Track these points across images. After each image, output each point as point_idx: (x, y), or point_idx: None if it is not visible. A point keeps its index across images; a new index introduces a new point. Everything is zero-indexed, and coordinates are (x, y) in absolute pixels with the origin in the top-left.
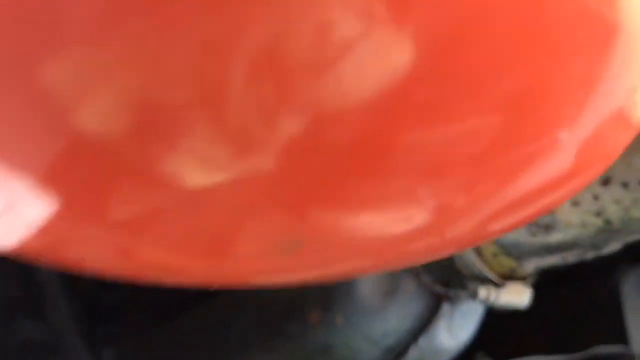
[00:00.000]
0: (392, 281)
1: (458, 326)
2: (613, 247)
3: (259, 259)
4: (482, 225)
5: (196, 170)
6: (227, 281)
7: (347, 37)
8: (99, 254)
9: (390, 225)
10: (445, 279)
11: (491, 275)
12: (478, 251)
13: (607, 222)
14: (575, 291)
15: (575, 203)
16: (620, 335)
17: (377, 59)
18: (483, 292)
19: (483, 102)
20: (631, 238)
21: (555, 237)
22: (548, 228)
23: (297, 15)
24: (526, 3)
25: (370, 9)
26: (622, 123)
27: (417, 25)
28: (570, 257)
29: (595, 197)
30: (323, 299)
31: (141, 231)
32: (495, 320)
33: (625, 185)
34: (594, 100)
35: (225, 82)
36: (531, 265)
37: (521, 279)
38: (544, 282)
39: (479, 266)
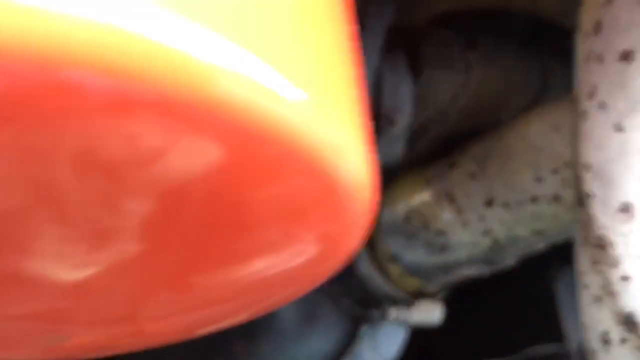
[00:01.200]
0: (312, 307)
1: (383, 344)
2: (507, 261)
3: (163, 322)
4: None
5: (61, 268)
6: (137, 345)
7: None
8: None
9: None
10: (363, 301)
11: (400, 294)
12: (385, 272)
13: (495, 240)
14: (510, 296)
15: (464, 223)
16: (555, 334)
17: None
18: (393, 312)
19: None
20: (523, 251)
21: (450, 256)
22: (443, 248)
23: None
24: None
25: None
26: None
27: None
28: (466, 272)
29: (481, 218)
30: (246, 329)
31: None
32: (425, 334)
33: (506, 205)
34: None
35: (56, 181)
36: (437, 283)
37: (431, 296)
38: (475, 292)
39: (387, 287)
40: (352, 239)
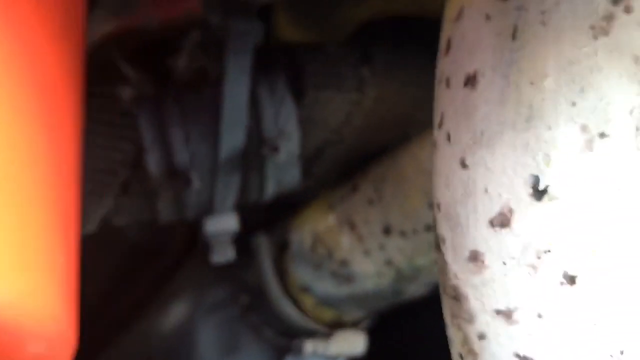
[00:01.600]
0: (234, 338)
1: None
2: (416, 292)
3: None
4: None
5: None
6: None
7: None
8: None
9: None
10: (283, 332)
11: (316, 326)
12: (299, 304)
13: (399, 271)
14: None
15: (366, 252)
16: None
17: None
18: (309, 346)
19: None
20: (433, 281)
21: (358, 287)
22: (349, 279)
23: None
24: None
25: None
26: None
27: None
28: (378, 303)
29: (381, 247)
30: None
31: None
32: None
33: (403, 234)
34: None
35: None
36: (353, 314)
37: (353, 325)
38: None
39: (301, 319)
40: None
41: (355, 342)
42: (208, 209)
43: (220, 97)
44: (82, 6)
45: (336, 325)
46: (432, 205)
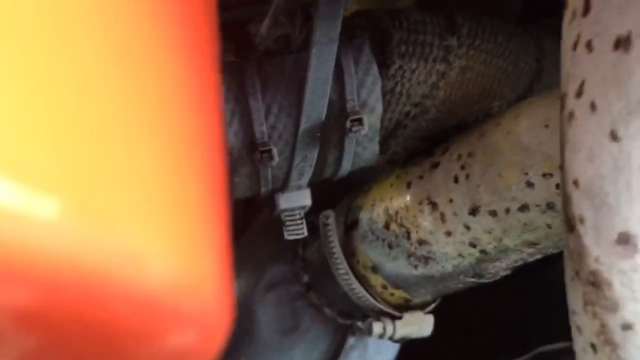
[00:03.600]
0: (294, 317)
1: (374, 354)
2: (499, 274)
3: None
4: None
5: None
6: None
7: None
8: None
9: None
10: (347, 312)
11: (384, 307)
12: (366, 284)
13: (484, 252)
14: (518, 293)
15: (448, 233)
16: (566, 331)
17: None
18: (377, 327)
19: None
20: (516, 263)
21: (435, 269)
22: (427, 260)
23: None
24: None
25: None
26: None
27: None
28: (455, 285)
29: (467, 227)
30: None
31: None
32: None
33: (493, 214)
34: None
35: None
36: (424, 296)
37: (420, 307)
38: (482, 289)
39: (370, 300)
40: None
41: (424, 324)
42: (283, 184)
43: (304, 66)
44: None
45: (404, 308)
46: (529, 183)
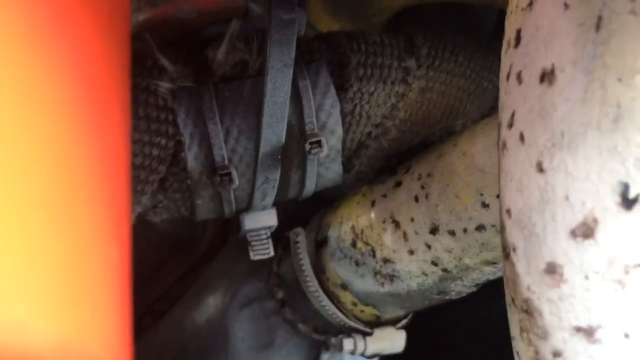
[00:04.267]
0: (269, 333)
1: None
2: (461, 292)
3: None
4: None
5: None
6: None
7: None
8: None
9: None
10: (320, 328)
11: (355, 324)
12: (336, 301)
13: (445, 270)
14: (493, 310)
15: (410, 252)
16: None
17: None
18: (348, 343)
19: None
20: (479, 281)
21: (401, 286)
22: (392, 278)
23: None
24: None
25: None
26: None
27: None
28: (421, 302)
29: (428, 246)
30: (200, 354)
31: None
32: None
33: (452, 233)
34: None
35: None
36: (394, 311)
37: (392, 323)
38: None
39: (340, 317)
40: None
41: (395, 340)
42: (247, 205)
43: (261, 90)
44: None
45: (375, 323)
46: (485, 204)
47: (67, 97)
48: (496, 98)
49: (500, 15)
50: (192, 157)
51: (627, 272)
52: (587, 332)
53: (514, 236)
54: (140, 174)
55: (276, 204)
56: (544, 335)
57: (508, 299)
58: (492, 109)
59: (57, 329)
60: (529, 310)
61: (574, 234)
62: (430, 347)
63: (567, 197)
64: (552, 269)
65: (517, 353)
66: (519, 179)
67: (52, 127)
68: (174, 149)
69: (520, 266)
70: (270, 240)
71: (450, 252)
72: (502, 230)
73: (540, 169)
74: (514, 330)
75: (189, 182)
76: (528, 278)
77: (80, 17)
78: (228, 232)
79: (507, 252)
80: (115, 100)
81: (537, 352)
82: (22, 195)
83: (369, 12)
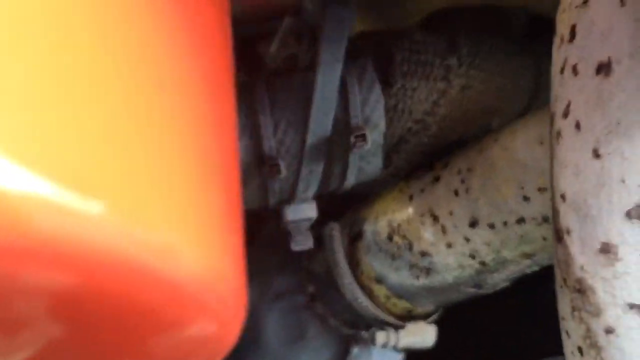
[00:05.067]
0: (299, 327)
1: None
2: (499, 284)
3: None
4: None
5: None
6: None
7: None
8: None
9: None
10: (351, 322)
11: (387, 317)
12: (370, 294)
13: (483, 263)
14: (517, 306)
15: (449, 245)
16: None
17: None
18: (381, 337)
19: None
20: (514, 274)
21: (437, 279)
22: (429, 271)
23: None
24: None
25: None
26: None
27: None
28: (456, 295)
29: (466, 239)
30: (232, 353)
31: None
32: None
33: (491, 226)
34: None
35: None
36: (426, 306)
37: (423, 317)
38: (481, 303)
39: (373, 310)
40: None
41: (427, 335)
42: (290, 196)
43: (311, 84)
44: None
45: (407, 317)
46: (527, 197)
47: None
48: (530, 97)
49: (530, 17)
50: (242, 148)
51: None
52: None
53: (569, 219)
54: None
55: (316, 197)
56: (597, 313)
57: (559, 281)
58: (526, 108)
59: (198, 261)
60: (582, 289)
61: (629, 215)
62: (458, 346)
63: (622, 180)
64: (607, 249)
65: (567, 332)
66: (574, 164)
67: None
68: None
69: (575, 247)
70: (310, 232)
71: (489, 245)
72: (554, 215)
73: (596, 154)
74: (565, 311)
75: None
76: (582, 258)
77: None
78: (257, 228)
79: (560, 236)
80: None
81: (588, 330)
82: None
83: (401, 15)
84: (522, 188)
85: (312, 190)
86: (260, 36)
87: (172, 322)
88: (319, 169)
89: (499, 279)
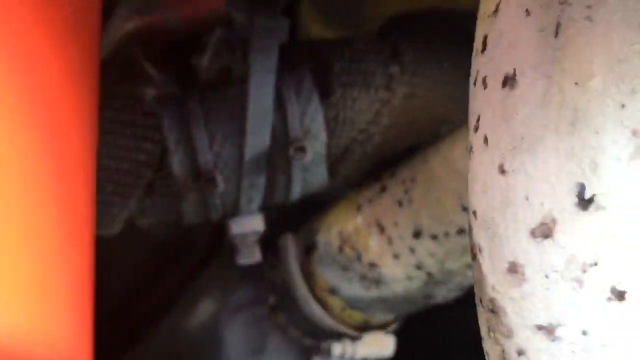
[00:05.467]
0: (260, 339)
1: None
2: (447, 296)
3: None
4: None
5: None
6: None
7: None
8: None
9: None
10: (310, 333)
11: (344, 328)
12: (325, 306)
13: (429, 275)
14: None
15: (395, 256)
16: None
17: None
18: (337, 348)
19: None
20: (463, 285)
21: (387, 291)
22: (378, 282)
23: None
24: None
25: None
26: None
27: None
28: (407, 307)
29: (411, 250)
30: None
31: None
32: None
33: (434, 237)
34: None
35: None
36: (381, 317)
37: (381, 327)
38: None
39: (329, 321)
40: None
41: (384, 345)
42: (234, 210)
43: (245, 96)
44: (94, 9)
45: (364, 328)
46: (466, 208)
47: (25, 104)
48: None
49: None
50: (177, 162)
51: (584, 271)
52: (548, 330)
53: (479, 237)
54: (127, 179)
55: (264, 209)
56: (509, 334)
57: (477, 299)
58: None
59: (22, 321)
60: (494, 310)
61: (533, 234)
62: (419, 354)
63: (527, 198)
64: (514, 269)
65: (487, 353)
66: (483, 181)
67: (11, 133)
68: (160, 154)
69: (486, 266)
70: (257, 245)
71: (433, 256)
72: (469, 231)
73: (502, 170)
74: (483, 330)
75: (175, 186)
76: (492, 277)
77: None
78: (223, 238)
79: (474, 253)
80: (75, 109)
81: (503, 351)
82: None
83: (360, 20)
84: (461, 199)
85: (256, 203)
86: (192, 50)
87: None
88: (260, 181)
89: (448, 290)
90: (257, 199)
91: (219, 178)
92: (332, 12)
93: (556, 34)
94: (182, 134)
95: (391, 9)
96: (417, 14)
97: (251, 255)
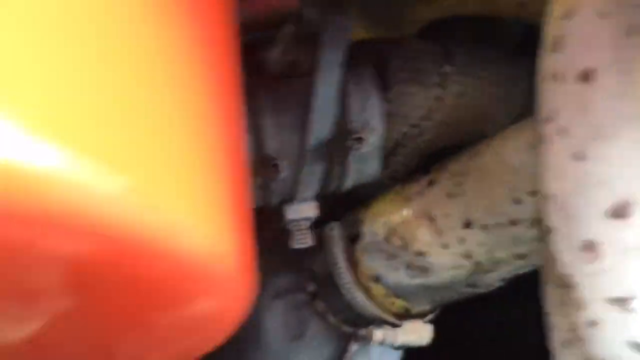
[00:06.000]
0: (299, 325)
1: None
2: (493, 284)
3: None
4: None
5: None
6: None
7: None
8: None
9: None
10: (350, 320)
11: (385, 316)
12: (368, 293)
13: (477, 263)
14: (509, 310)
15: (444, 245)
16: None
17: None
18: (378, 334)
19: None
20: (508, 275)
21: (433, 279)
22: (425, 270)
23: None
24: None
25: None
26: None
27: None
28: (451, 295)
29: (461, 240)
30: (232, 347)
31: None
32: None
33: (484, 228)
34: None
35: None
36: (423, 305)
37: (420, 316)
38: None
39: (372, 308)
40: (224, 310)
41: (423, 333)
42: (291, 196)
43: (311, 88)
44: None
45: (404, 316)
46: (517, 200)
47: None
48: (522, 105)
49: (526, 29)
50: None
51: None
52: (622, 302)
53: (554, 218)
54: None
55: (316, 197)
56: (581, 307)
57: (545, 277)
58: (520, 115)
59: (212, 232)
60: (566, 285)
61: (610, 214)
62: (453, 344)
63: (604, 182)
64: (588, 246)
65: (555, 326)
66: (557, 167)
67: None
68: None
69: (559, 245)
70: (310, 231)
71: (483, 245)
72: (543, 214)
73: (577, 158)
74: (551, 305)
75: None
76: (566, 255)
77: None
78: (260, 227)
79: (547, 234)
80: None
81: (572, 323)
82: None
83: (400, 24)
84: (513, 191)
85: (313, 190)
86: (263, 43)
87: (180, 296)
88: (319, 170)
89: (493, 279)
90: (314, 186)
91: (282, 165)
92: (373, 16)
93: (627, 34)
94: (252, 121)
95: (431, 16)
96: (461, 19)
97: (304, 240)
